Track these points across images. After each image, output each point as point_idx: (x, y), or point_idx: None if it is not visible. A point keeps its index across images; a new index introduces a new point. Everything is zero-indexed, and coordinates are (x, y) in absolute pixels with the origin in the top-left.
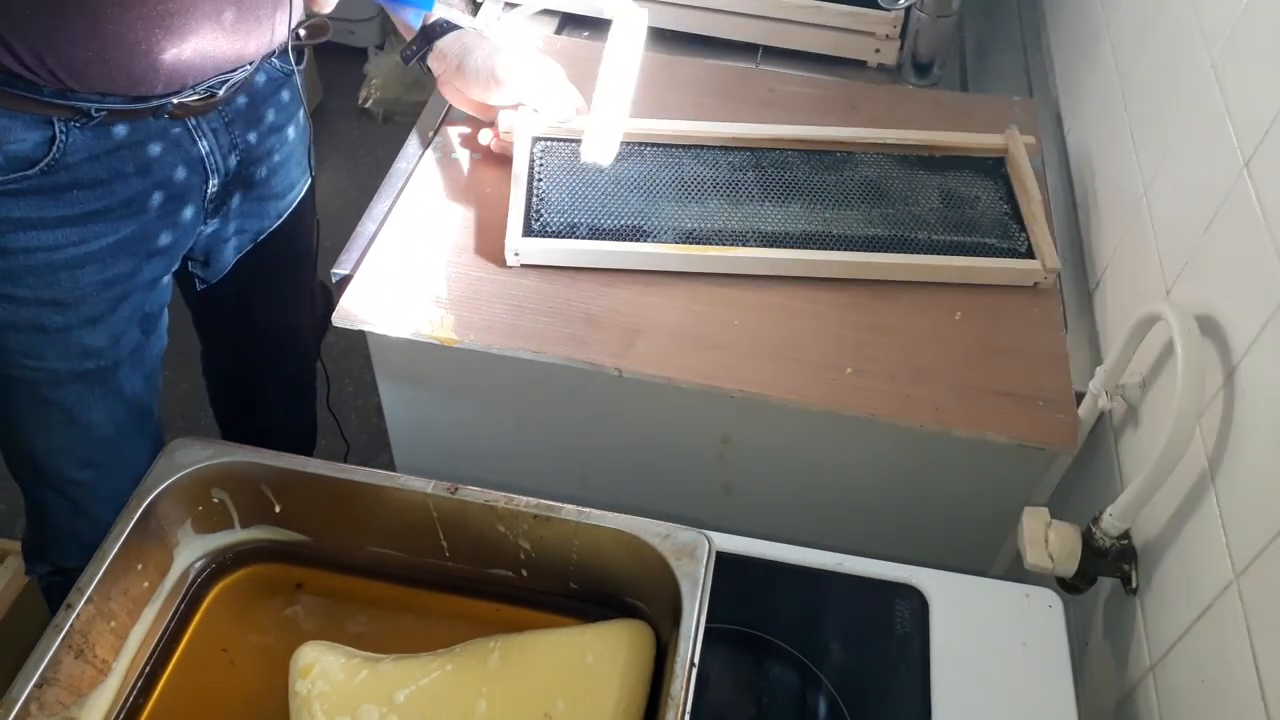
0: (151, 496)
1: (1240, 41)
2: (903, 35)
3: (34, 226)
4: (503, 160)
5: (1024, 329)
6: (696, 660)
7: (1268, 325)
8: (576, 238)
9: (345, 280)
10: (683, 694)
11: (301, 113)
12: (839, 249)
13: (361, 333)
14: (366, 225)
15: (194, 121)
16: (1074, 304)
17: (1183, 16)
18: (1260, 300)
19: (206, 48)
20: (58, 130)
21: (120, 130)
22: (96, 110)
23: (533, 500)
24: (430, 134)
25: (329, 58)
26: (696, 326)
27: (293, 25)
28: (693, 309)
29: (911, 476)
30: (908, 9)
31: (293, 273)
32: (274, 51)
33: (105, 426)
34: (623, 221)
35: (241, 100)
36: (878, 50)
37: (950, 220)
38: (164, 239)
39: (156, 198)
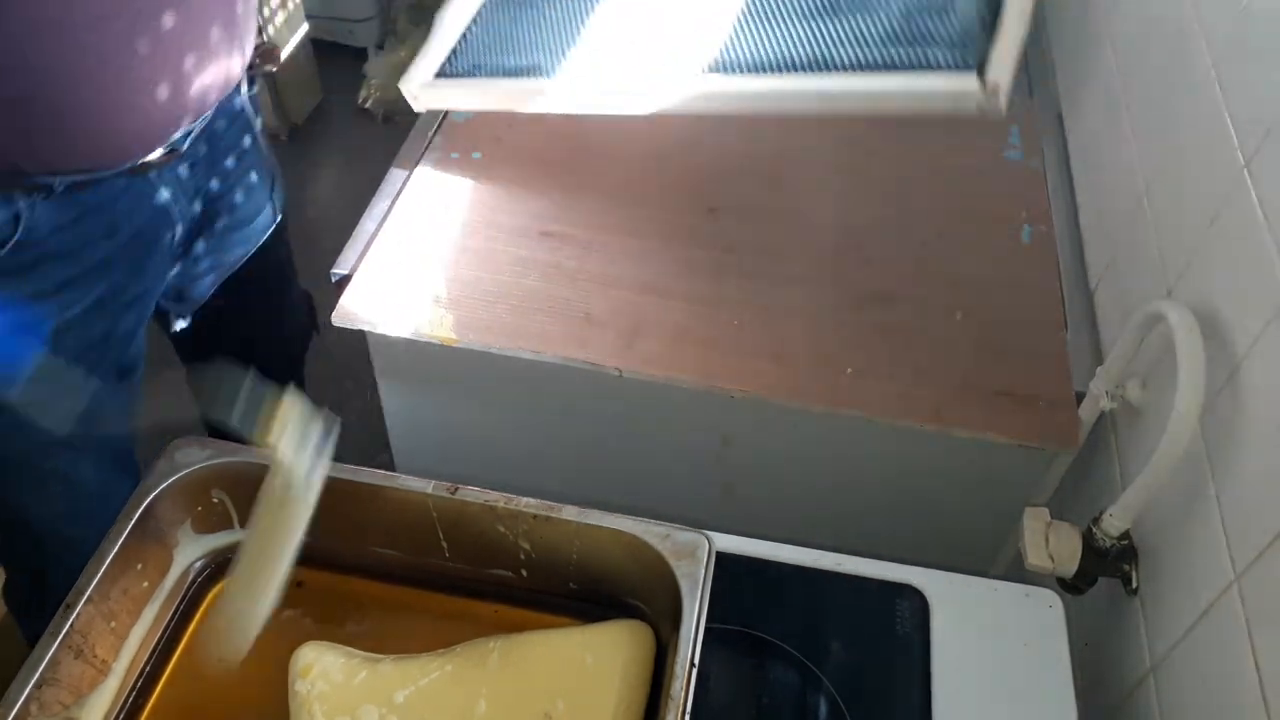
0: (151, 496)
1: (1240, 41)
2: None
3: (8, 306)
4: (503, 159)
5: (1024, 329)
6: (696, 660)
7: (1269, 325)
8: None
9: (345, 280)
10: (683, 694)
11: (261, 141)
12: (753, 73)
13: (361, 333)
14: (366, 225)
15: (155, 174)
16: (1074, 304)
17: (1183, 17)
18: (1261, 300)
19: (169, 108)
20: (21, 207)
21: (84, 197)
22: (60, 184)
23: (533, 500)
24: (430, 134)
25: (329, 58)
26: (696, 326)
27: (247, 61)
28: (693, 309)
29: (911, 476)
30: None
31: (272, 295)
32: (232, 92)
33: (94, 481)
34: (530, 60)
35: (201, 143)
36: None
37: (907, 33)
38: (134, 290)
39: (124, 254)
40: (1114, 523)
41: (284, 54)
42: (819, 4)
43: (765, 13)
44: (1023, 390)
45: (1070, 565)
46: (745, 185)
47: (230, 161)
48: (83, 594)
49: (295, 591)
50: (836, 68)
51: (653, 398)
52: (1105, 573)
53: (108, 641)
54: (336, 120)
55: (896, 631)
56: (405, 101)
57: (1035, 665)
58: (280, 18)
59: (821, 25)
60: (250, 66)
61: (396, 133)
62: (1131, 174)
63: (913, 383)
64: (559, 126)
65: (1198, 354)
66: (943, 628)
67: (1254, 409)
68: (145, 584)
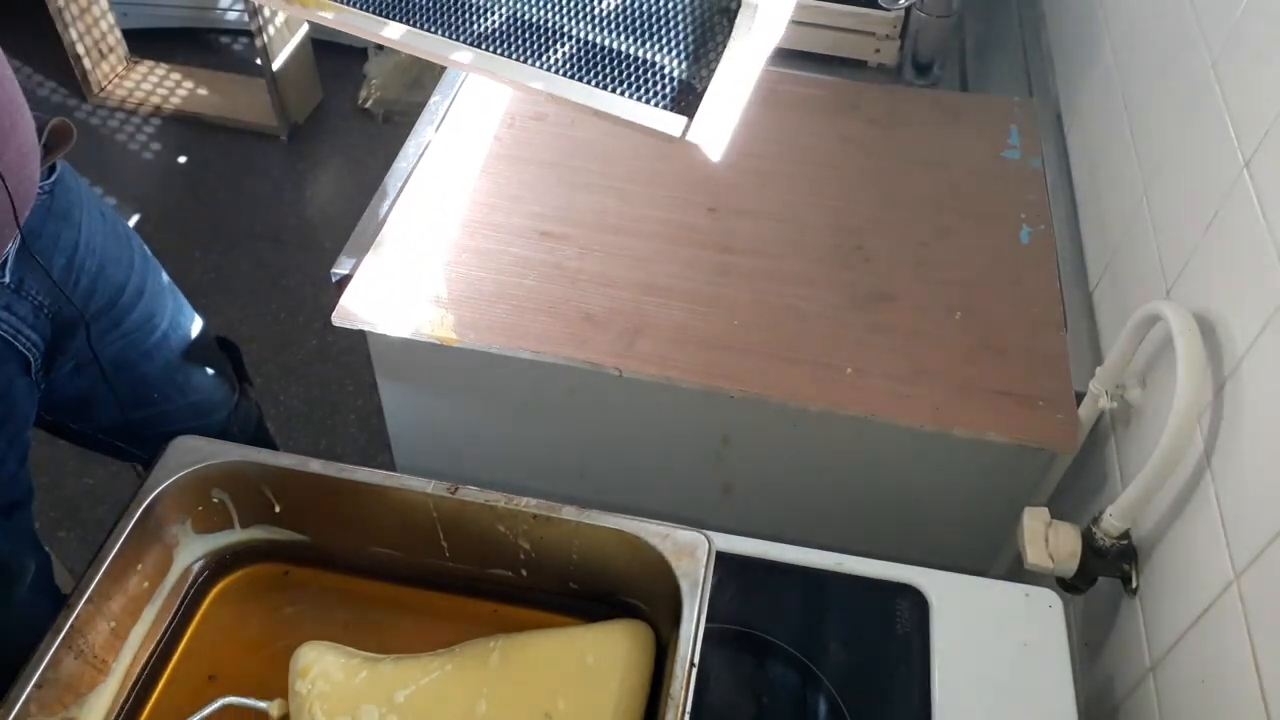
0: (151, 497)
1: (1240, 41)
2: (903, 35)
3: None
4: (502, 159)
5: (1024, 329)
6: (696, 660)
7: (1268, 325)
8: None
9: (345, 280)
10: (683, 694)
11: (93, 210)
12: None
13: (361, 333)
14: (366, 225)
15: None
16: (1074, 304)
17: (1183, 16)
18: (1260, 300)
19: None
20: None
21: None
22: None
23: (533, 500)
24: (430, 134)
25: (329, 58)
26: (696, 326)
27: (39, 159)
28: (693, 309)
29: (911, 476)
30: (908, 9)
31: (178, 359)
32: (33, 198)
33: (12, 614)
34: None
35: (23, 261)
36: (878, 50)
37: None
38: (4, 437)
39: None
40: (1114, 522)
41: (284, 54)
42: None
43: None
44: (1023, 390)
45: (1070, 565)
46: (745, 185)
47: (71, 250)
48: (83, 594)
49: (295, 591)
50: (560, 41)
51: (653, 398)
52: (1105, 573)
53: (108, 641)
54: (336, 120)
55: (896, 631)
56: (405, 102)
57: (1035, 665)
58: (281, 18)
59: None
60: (45, 150)
61: (396, 133)
62: (1131, 174)
63: (913, 383)
64: (559, 126)
65: (1197, 354)
66: (943, 628)
67: (1253, 409)
68: (145, 584)
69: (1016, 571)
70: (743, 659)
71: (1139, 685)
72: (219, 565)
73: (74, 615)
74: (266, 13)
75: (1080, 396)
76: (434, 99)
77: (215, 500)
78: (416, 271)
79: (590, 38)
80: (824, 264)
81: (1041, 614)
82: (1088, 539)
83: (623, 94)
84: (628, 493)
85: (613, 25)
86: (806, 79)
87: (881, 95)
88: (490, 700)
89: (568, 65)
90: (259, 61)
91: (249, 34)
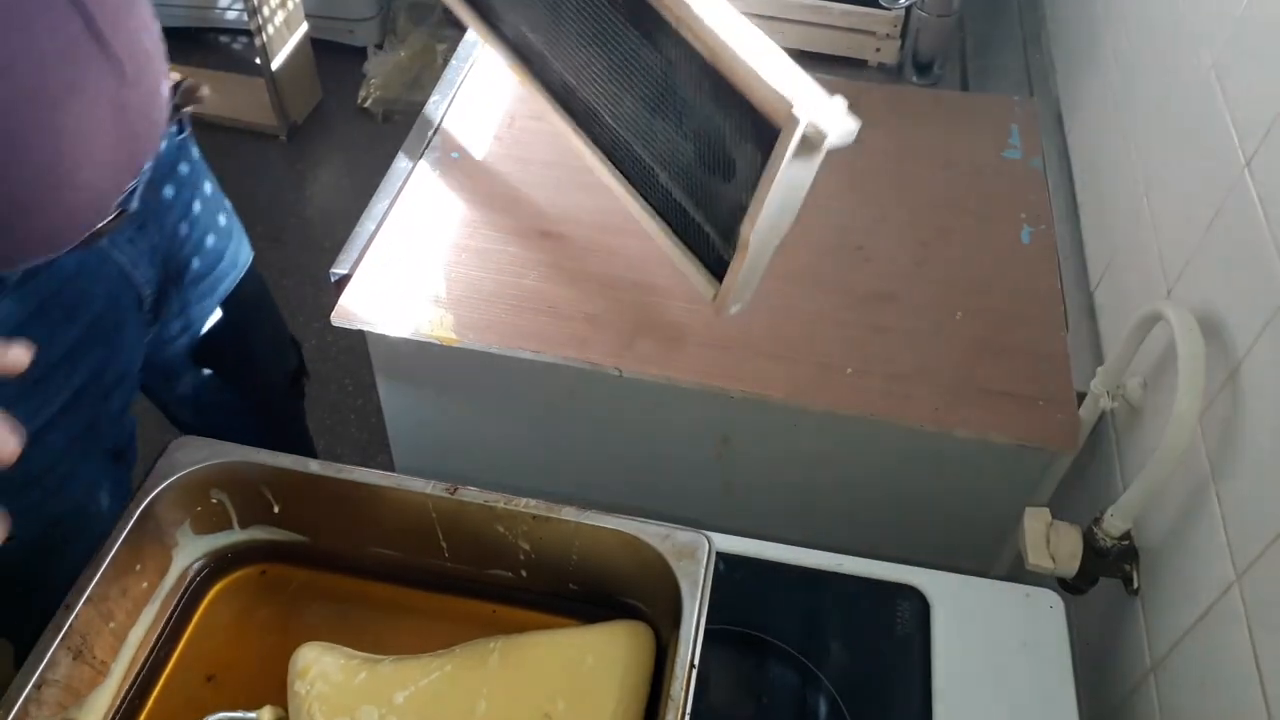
0: (150, 497)
1: (1240, 42)
2: (903, 35)
3: None
4: (502, 159)
5: (1024, 329)
6: (696, 661)
7: (1269, 325)
8: None
9: (345, 280)
10: (683, 694)
11: (206, 182)
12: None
13: (361, 333)
14: (366, 225)
15: (107, 241)
16: (1074, 304)
17: (1183, 16)
18: (1261, 300)
19: (112, 176)
20: None
21: (38, 285)
22: (11, 278)
23: (533, 500)
24: (429, 133)
25: (329, 57)
26: (696, 326)
27: (174, 103)
28: (693, 309)
29: (911, 476)
30: (908, 8)
31: (255, 342)
32: (158, 143)
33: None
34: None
35: (149, 197)
36: (878, 50)
37: (695, 182)
38: (115, 371)
39: (94, 336)
40: (1114, 523)
41: (284, 53)
42: (652, 93)
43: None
44: (1023, 390)
45: (1071, 565)
46: None
47: (185, 210)
48: (82, 594)
49: (294, 592)
50: (648, 184)
51: (653, 398)
52: (1106, 573)
53: (107, 642)
54: (336, 120)
55: (896, 631)
56: (405, 101)
57: (1035, 665)
58: (280, 17)
59: (650, 125)
60: (175, 108)
61: (396, 133)
62: (1131, 174)
63: (913, 383)
64: (559, 127)
65: (1198, 354)
66: (943, 628)
67: (1254, 409)
68: (144, 584)
69: (1017, 571)
70: (743, 659)
71: (1139, 685)
72: (218, 566)
73: (73, 615)
74: (266, 12)
75: (1081, 396)
76: (433, 99)
77: (214, 500)
78: (416, 271)
79: (673, 193)
80: (824, 264)
81: (1042, 614)
82: (1088, 539)
83: (682, 246)
84: (628, 493)
85: (686, 189)
86: None
87: (882, 95)
88: (490, 701)
89: (656, 201)
90: (258, 61)
91: (248, 33)
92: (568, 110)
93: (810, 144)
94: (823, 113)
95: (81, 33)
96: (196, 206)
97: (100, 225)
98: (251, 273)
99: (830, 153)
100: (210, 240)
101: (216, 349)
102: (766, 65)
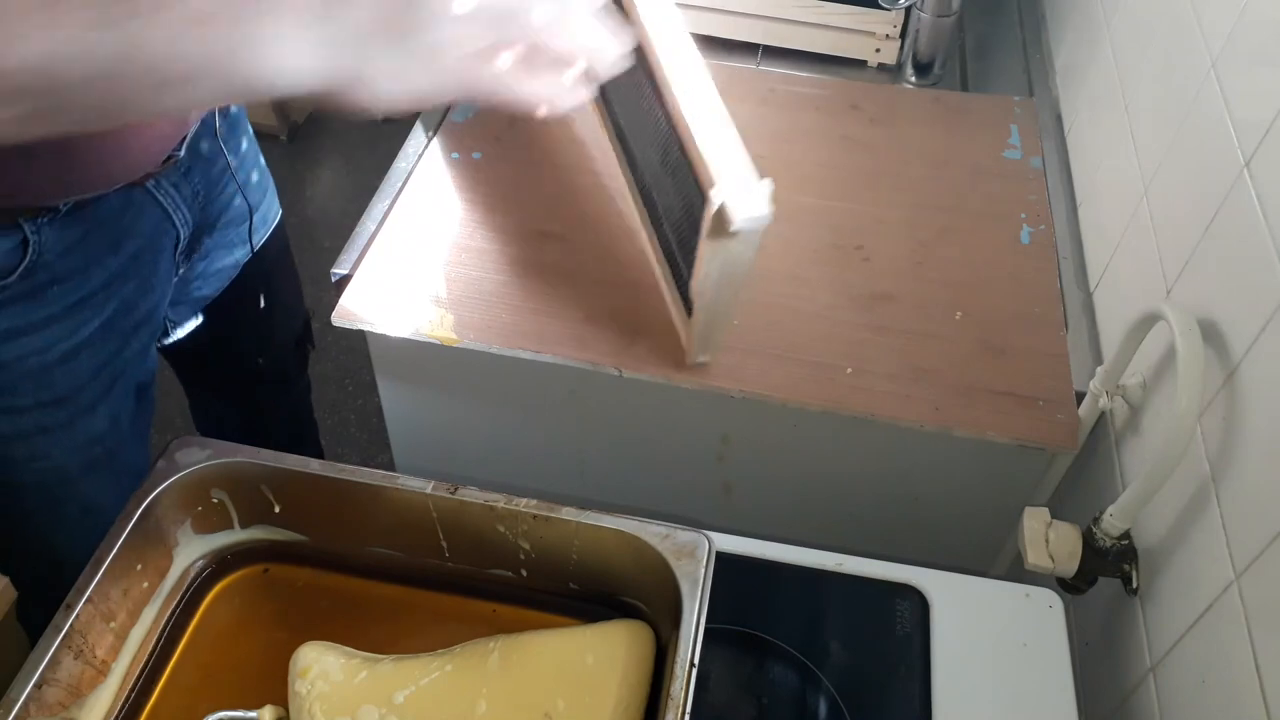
0: (151, 497)
1: (1240, 41)
2: (903, 35)
3: (22, 334)
4: (502, 159)
5: (1024, 329)
6: (696, 660)
7: (1268, 325)
8: None
9: (345, 280)
10: (683, 694)
11: (244, 138)
12: None
13: (361, 333)
14: (366, 225)
15: (153, 183)
16: (1074, 304)
17: (1183, 16)
18: (1261, 300)
19: (172, 125)
20: (27, 232)
21: (87, 214)
22: (65, 205)
23: (533, 500)
24: (430, 133)
25: None
26: None
27: None
28: None
29: (911, 476)
30: (908, 9)
31: (272, 300)
32: None
33: (114, 506)
34: None
35: (196, 146)
36: (878, 50)
37: (681, 239)
38: (144, 306)
39: (131, 269)
40: (1114, 523)
41: None
42: (658, 148)
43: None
44: (1023, 390)
45: (1070, 565)
46: None
47: (224, 162)
48: (83, 594)
49: (295, 591)
50: (658, 229)
51: (653, 398)
52: (1105, 573)
53: (107, 642)
54: (336, 120)
55: (896, 631)
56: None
57: (1035, 665)
58: None
59: (660, 177)
60: None
61: (396, 133)
62: (1131, 174)
63: (913, 383)
64: (559, 127)
65: (1197, 354)
66: (943, 628)
67: (1254, 409)
68: (145, 584)
69: (1016, 571)
70: (743, 659)
71: (1139, 685)
72: (219, 565)
73: (74, 615)
74: None
75: (1080, 396)
76: None
77: (215, 500)
78: (416, 271)
79: (671, 242)
80: (824, 264)
81: (1041, 614)
82: (1088, 539)
83: (672, 292)
84: (628, 493)
85: (676, 241)
86: (806, 79)
87: (881, 95)
88: (490, 700)
89: (662, 245)
90: None
91: None
92: (623, 153)
93: (721, 224)
94: (737, 198)
95: None
96: (234, 160)
97: (150, 169)
98: (279, 229)
99: (830, 152)
100: (245, 193)
101: (237, 300)
102: (713, 141)
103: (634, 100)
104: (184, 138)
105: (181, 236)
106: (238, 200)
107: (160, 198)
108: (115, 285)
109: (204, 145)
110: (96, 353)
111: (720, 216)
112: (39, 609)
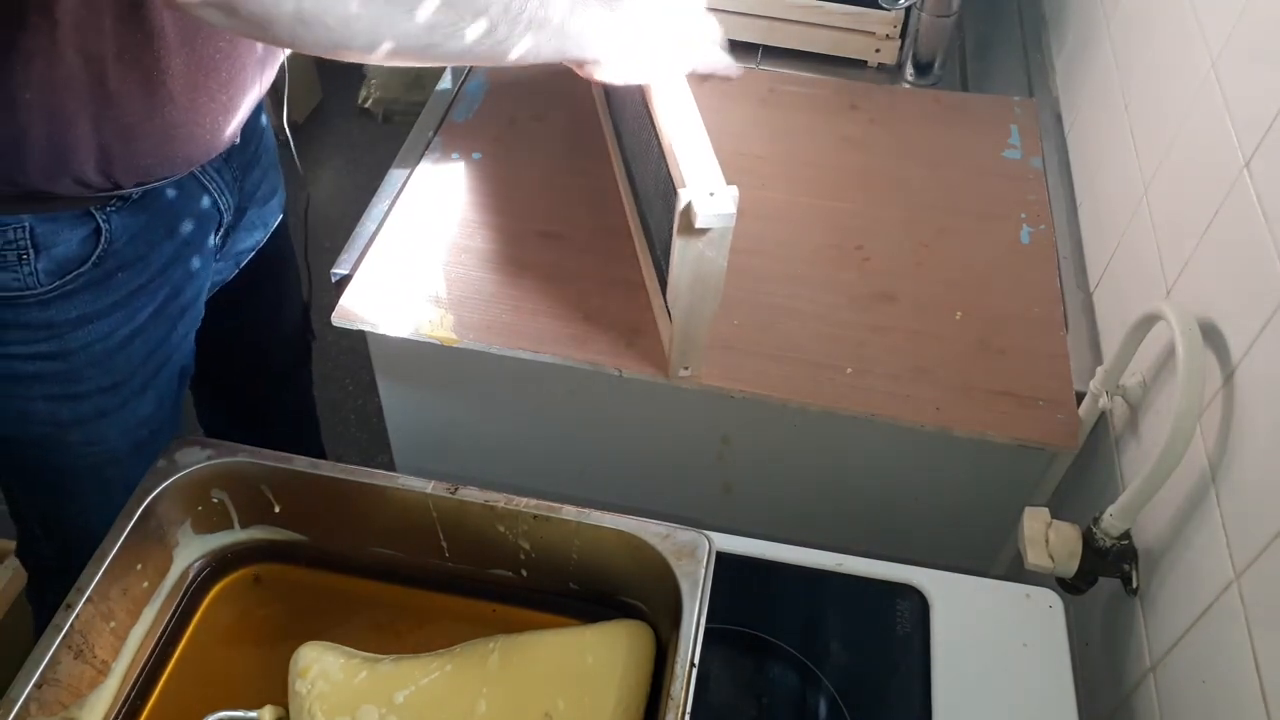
0: (151, 496)
1: (1240, 41)
2: (903, 35)
3: (91, 320)
4: (502, 159)
5: (1024, 329)
6: (696, 660)
7: (1268, 325)
8: None
9: (345, 280)
10: (683, 694)
11: (264, 119)
12: None
13: (361, 333)
14: (366, 225)
15: (200, 171)
16: (1074, 304)
17: (1183, 16)
18: (1260, 300)
19: (248, 107)
20: (99, 221)
21: (152, 201)
22: (136, 193)
23: (533, 500)
24: (430, 134)
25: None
26: None
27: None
28: None
29: (911, 476)
30: (908, 9)
31: (278, 288)
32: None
33: None
34: None
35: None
36: (878, 50)
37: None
38: (190, 292)
39: (180, 255)
40: (1114, 523)
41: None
42: (652, 170)
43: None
44: (1023, 390)
45: (1070, 565)
46: (744, 185)
47: (256, 145)
48: (83, 594)
49: (295, 591)
50: (654, 245)
51: (653, 398)
52: (1105, 573)
53: (107, 641)
54: (336, 120)
55: (896, 631)
56: (405, 101)
57: (1035, 665)
58: None
59: (652, 199)
60: None
61: (396, 133)
62: (1131, 174)
63: (913, 383)
64: (559, 126)
65: (1197, 354)
66: (943, 628)
67: (1254, 409)
68: (145, 584)
69: (1016, 571)
70: (743, 659)
71: (1139, 685)
72: (219, 565)
73: (74, 615)
74: None
75: (1080, 396)
76: (434, 99)
77: (215, 500)
78: (416, 271)
79: (656, 246)
80: (824, 264)
81: (1041, 614)
82: (1088, 539)
83: (660, 298)
84: (628, 493)
85: (664, 255)
86: (806, 79)
87: (881, 95)
88: (490, 700)
89: (647, 245)
90: None
91: None
92: (622, 162)
93: (688, 221)
94: (703, 198)
95: None
96: (260, 145)
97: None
98: (285, 217)
99: (830, 152)
100: (268, 177)
101: (250, 284)
102: (688, 148)
103: (633, 114)
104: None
105: (225, 219)
106: (265, 182)
107: (206, 182)
108: (169, 270)
109: (248, 124)
110: (149, 337)
111: (688, 214)
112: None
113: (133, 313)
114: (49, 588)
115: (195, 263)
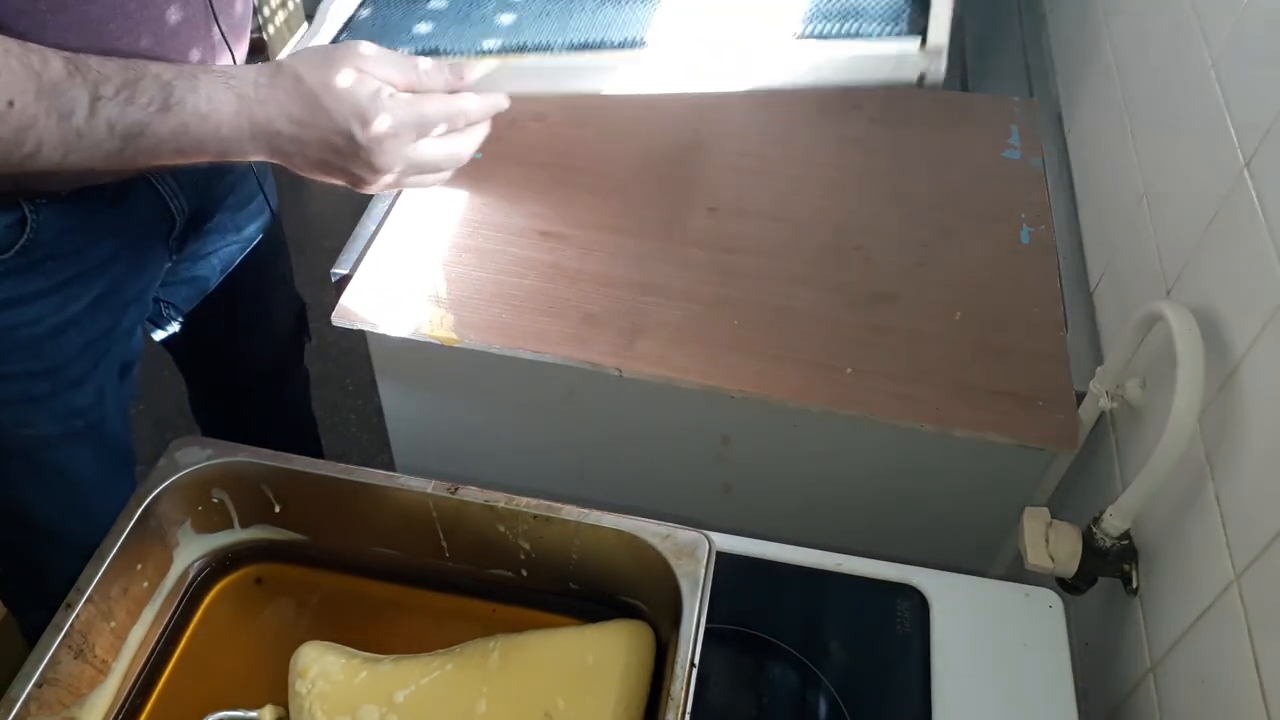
0: (151, 496)
1: (1240, 41)
2: None
3: (13, 305)
4: (502, 159)
5: (1024, 329)
6: (696, 660)
7: (1268, 325)
8: None
9: (345, 280)
10: (683, 694)
11: None
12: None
13: (361, 332)
14: (366, 225)
15: (149, 170)
16: (1074, 304)
17: (1183, 16)
18: (1260, 300)
19: None
20: (26, 212)
21: (89, 199)
22: (65, 189)
23: (533, 500)
24: None
25: None
26: (696, 326)
27: (244, 58)
28: (693, 309)
29: (912, 476)
30: None
31: (265, 297)
32: None
33: (93, 477)
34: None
35: None
36: None
37: (835, 9)
38: (135, 287)
39: (125, 250)
40: (1114, 523)
41: (284, 54)
42: None
43: None
44: (1023, 390)
45: (1070, 565)
46: (745, 185)
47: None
48: (83, 594)
49: (295, 591)
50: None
51: (653, 398)
52: (1105, 573)
53: (108, 641)
54: None
55: (896, 631)
56: None
57: (1035, 665)
58: (280, 18)
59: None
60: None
61: None
62: (1131, 174)
63: (913, 383)
64: (559, 126)
65: (1197, 354)
66: (943, 628)
67: (1254, 409)
68: (145, 584)
69: (1016, 571)
70: (743, 659)
71: (1139, 685)
72: (219, 565)
73: (74, 615)
74: (266, 12)
75: (1080, 396)
76: None
77: (215, 500)
78: (416, 271)
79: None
80: (824, 264)
81: (1041, 614)
82: (1088, 539)
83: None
84: (628, 493)
85: None
86: None
87: (881, 95)
88: (490, 700)
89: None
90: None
91: None
92: None
93: None
94: None
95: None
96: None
97: None
98: (275, 221)
99: (830, 152)
100: (244, 182)
101: (239, 288)
102: None
103: None
104: None
105: (178, 224)
106: (239, 187)
107: (158, 185)
108: (107, 266)
109: None
110: (85, 329)
111: None
112: (17, 578)
113: (63, 302)
114: (11, 587)
115: (143, 261)
